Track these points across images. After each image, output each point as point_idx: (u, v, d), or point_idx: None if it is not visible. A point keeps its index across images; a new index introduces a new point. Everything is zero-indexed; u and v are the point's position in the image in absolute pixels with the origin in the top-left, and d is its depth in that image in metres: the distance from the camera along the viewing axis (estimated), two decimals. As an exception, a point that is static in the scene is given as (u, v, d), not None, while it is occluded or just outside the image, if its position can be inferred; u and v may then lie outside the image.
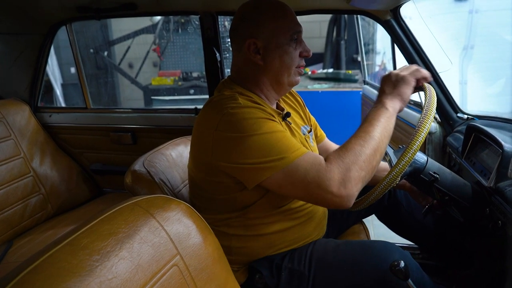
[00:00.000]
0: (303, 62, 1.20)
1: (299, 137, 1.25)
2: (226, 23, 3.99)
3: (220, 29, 2.04)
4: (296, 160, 0.99)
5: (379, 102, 1.08)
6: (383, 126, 1.03)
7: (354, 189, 0.95)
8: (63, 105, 4.70)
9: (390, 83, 1.09)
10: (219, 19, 2.02)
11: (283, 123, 1.21)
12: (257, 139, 1.01)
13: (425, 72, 1.10)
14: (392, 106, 1.06)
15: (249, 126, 1.01)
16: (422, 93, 1.11)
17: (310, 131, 1.36)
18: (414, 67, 1.11)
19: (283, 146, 1.00)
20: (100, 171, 2.43)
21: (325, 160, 0.99)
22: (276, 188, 1.04)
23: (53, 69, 4.67)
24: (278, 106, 1.30)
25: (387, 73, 1.14)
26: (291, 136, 1.05)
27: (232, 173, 1.07)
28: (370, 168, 0.99)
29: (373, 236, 1.75)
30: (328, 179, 0.95)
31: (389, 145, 1.13)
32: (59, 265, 0.64)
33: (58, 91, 4.70)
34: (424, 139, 0.99)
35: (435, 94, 1.07)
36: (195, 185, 1.23)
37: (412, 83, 1.08)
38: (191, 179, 1.24)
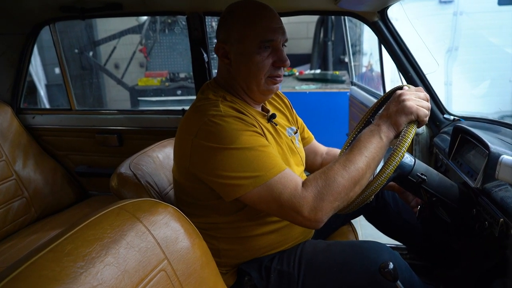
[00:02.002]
0: (277, 72, 1.15)
1: (284, 138, 1.25)
2: (214, 24, 3.96)
3: (207, 29, 2.02)
4: (270, 180, 0.99)
5: (377, 125, 1.04)
6: (372, 157, 1.01)
7: (324, 217, 0.98)
8: (47, 106, 4.62)
9: (397, 103, 1.03)
10: (206, 20, 2.00)
11: (268, 124, 1.20)
12: (234, 153, 1.00)
13: (428, 113, 1.04)
14: (387, 136, 1.02)
15: (227, 138, 1.01)
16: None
17: (296, 132, 1.36)
18: (426, 104, 1.04)
19: (259, 163, 1.00)
20: (86, 174, 2.38)
21: (303, 183, 1.00)
22: (251, 204, 1.04)
23: (36, 69, 4.58)
24: (263, 108, 1.29)
25: (405, 86, 1.09)
26: (269, 151, 1.04)
27: (209, 184, 1.07)
28: (346, 199, 0.99)
29: (361, 237, 1.76)
30: (301, 205, 0.97)
31: None
32: (42, 273, 0.62)
33: (42, 92, 4.61)
34: (407, 149, 0.99)
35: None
36: (180, 189, 1.21)
37: (412, 118, 1.01)
38: (176, 183, 1.23)
